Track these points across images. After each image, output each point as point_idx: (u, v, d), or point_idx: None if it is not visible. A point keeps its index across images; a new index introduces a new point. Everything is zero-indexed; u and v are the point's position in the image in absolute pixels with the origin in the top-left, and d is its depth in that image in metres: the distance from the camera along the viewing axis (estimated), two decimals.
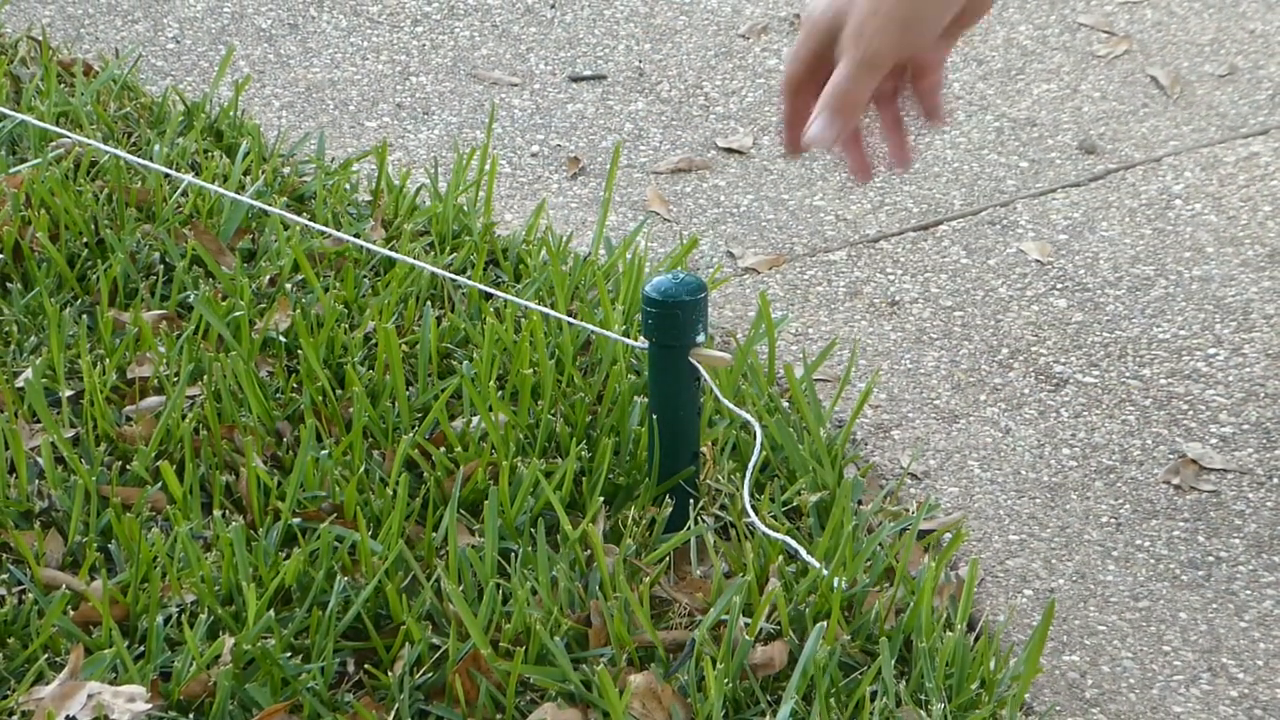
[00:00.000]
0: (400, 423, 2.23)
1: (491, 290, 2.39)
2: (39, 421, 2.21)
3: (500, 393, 2.28)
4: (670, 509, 2.07)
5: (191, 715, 1.85)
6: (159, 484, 2.11)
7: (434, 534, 2.04)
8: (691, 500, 2.10)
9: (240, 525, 1.98)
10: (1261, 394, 2.48)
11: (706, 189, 2.97)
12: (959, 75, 3.29)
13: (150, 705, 1.81)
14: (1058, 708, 1.99)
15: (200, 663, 1.86)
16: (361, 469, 2.13)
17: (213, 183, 2.66)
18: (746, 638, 1.90)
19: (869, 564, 2.05)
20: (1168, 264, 2.76)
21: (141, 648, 1.90)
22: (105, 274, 2.44)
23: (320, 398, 2.24)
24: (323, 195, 2.66)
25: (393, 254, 2.47)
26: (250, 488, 2.08)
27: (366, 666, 1.91)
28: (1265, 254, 2.78)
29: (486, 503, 2.03)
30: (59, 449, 2.15)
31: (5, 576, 1.99)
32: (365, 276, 2.53)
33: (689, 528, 2.07)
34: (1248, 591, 2.16)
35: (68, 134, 2.73)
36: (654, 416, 2.07)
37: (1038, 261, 2.77)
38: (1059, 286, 2.71)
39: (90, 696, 1.80)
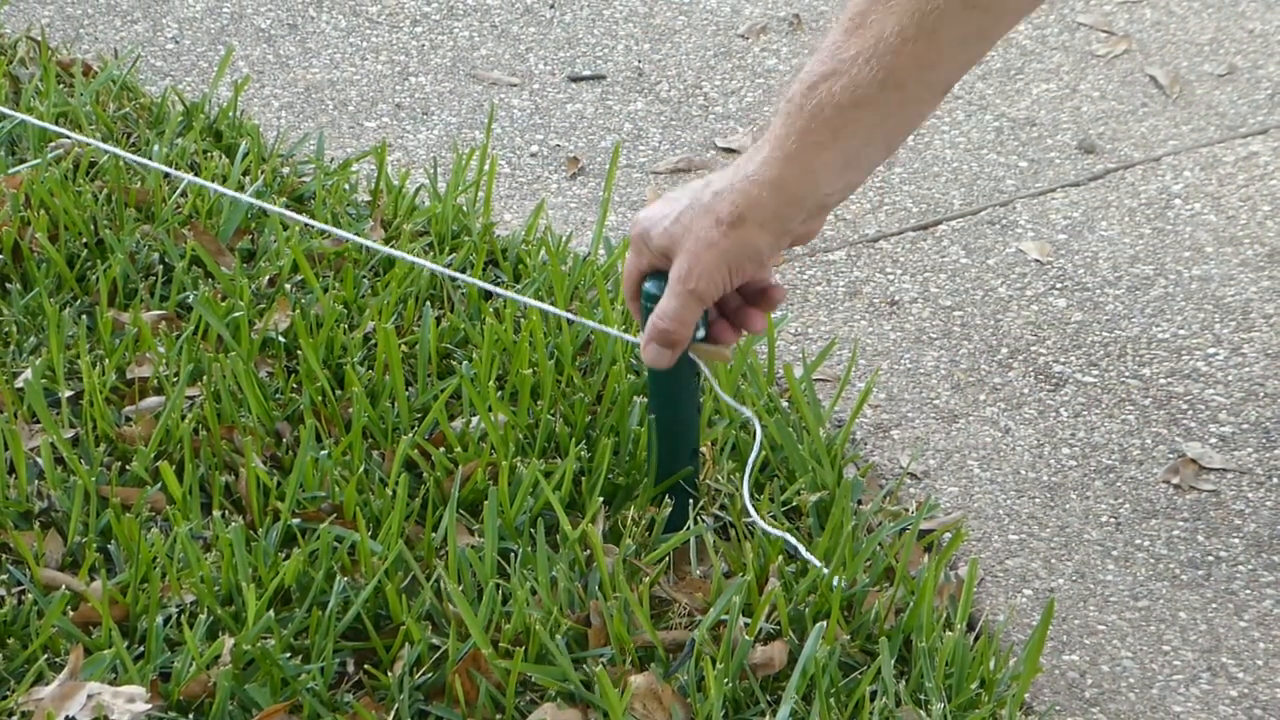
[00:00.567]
0: (400, 423, 2.23)
1: (521, 298, 2.39)
2: (38, 422, 2.21)
3: (500, 393, 2.28)
4: (670, 509, 2.07)
5: (191, 715, 1.85)
6: (158, 484, 2.11)
7: (434, 534, 2.04)
8: (691, 500, 2.10)
9: (240, 525, 1.98)
10: (1261, 393, 2.48)
11: None
12: None
13: (150, 705, 1.81)
14: (1058, 707, 1.99)
15: (200, 663, 1.85)
16: (361, 469, 2.13)
17: (212, 183, 2.66)
18: (746, 638, 1.90)
19: (869, 564, 2.05)
20: (1167, 263, 2.76)
21: (141, 648, 1.90)
22: (105, 274, 2.44)
23: (320, 398, 2.24)
24: (322, 195, 2.66)
25: (424, 262, 2.47)
26: (250, 488, 2.08)
27: (366, 667, 1.91)
28: (1265, 253, 2.78)
29: (486, 503, 2.03)
30: (58, 449, 2.15)
31: (5, 577, 1.99)
32: (365, 277, 2.53)
33: (689, 528, 2.07)
34: (1247, 591, 2.16)
35: (68, 133, 2.73)
36: (653, 415, 2.06)
37: (1037, 261, 2.77)
38: (1058, 286, 2.71)
39: (90, 697, 1.80)
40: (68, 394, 2.26)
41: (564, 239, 2.64)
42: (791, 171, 1.74)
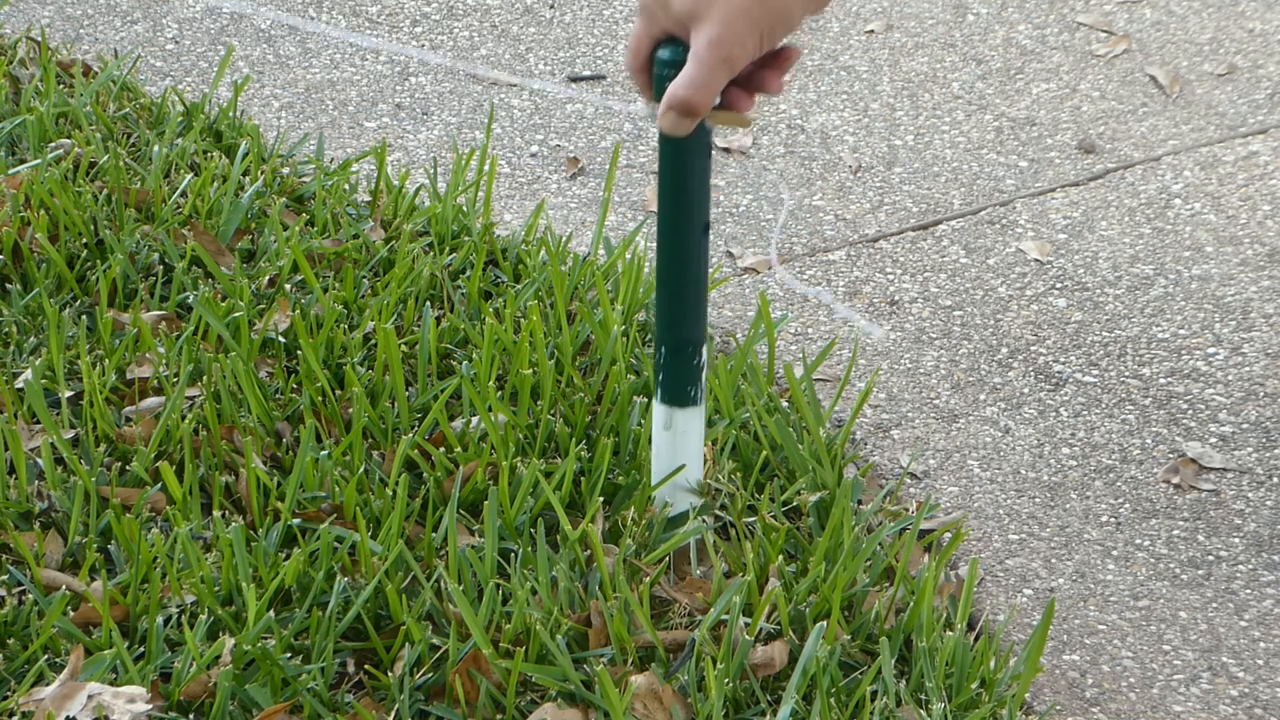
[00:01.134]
0: (400, 423, 2.23)
1: None
2: (38, 422, 2.21)
3: (500, 393, 2.28)
4: (669, 508, 2.07)
5: (191, 716, 1.85)
6: (159, 485, 2.11)
7: (434, 534, 2.04)
8: (692, 507, 2.08)
9: (240, 526, 1.98)
10: (1261, 393, 2.49)
11: None
12: (958, 75, 3.30)
13: (150, 706, 1.81)
14: (1058, 707, 1.99)
15: (200, 663, 1.85)
16: (361, 469, 2.13)
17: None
18: (746, 637, 1.90)
19: (869, 564, 2.05)
20: (1167, 263, 2.76)
21: (141, 648, 1.90)
22: (104, 275, 2.44)
23: (320, 398, 2.24)
24: (322, 196, 2.66)
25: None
26: (250, 488, 2.08)
27: (366, 667, 1.91)
28: (1265, 253, 2.78)
29: (486, 503, 2.03)
30: (58, 450, 2.15)
31: (5, 577, 1.99)
32: (364, 277, 2.53)
33: (689, 528, 2.07)
34: (1247, 591, 2.16)
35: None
36: (661, 203, 1.89)
37: (1037, 261, 2.77)
38: (1058, 286, 2.71)
39: (90, 697, 1.80)
40: (68, 394, 2.26)
41: (564, 239, 2.63)
42: None
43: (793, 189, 2.97)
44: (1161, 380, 2.51)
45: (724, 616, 1.93)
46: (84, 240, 2.54)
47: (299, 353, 2.32)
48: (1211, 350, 2.57)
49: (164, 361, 2.31)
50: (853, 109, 3.19)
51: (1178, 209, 2.90)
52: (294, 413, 2.24)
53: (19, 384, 2.26)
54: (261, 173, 2.73)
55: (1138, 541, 2.24)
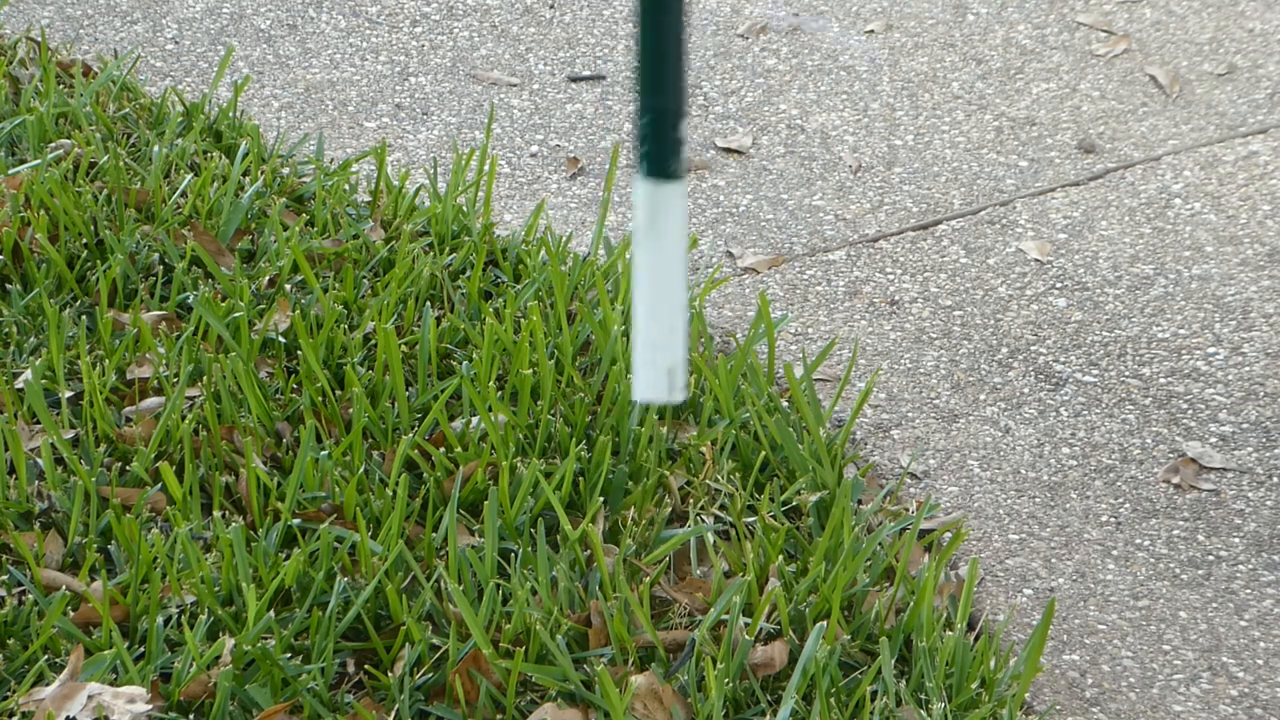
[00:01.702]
0: (400, 423, 2.23)
1: None
2: (39, 423, 2.21)
3: (500, 393, 2.28)
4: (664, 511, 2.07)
5: (192, 716, 1.85)
6: (159, 485, 2.11)
7: (434, 534, 2.04)
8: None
9: (240, 526, 1.98)
10: (1261, 393, 2.49)
11: (705, 189, 2.97)
12: (958, 75, 3.30)
13: (150, 706, 1.81)
14: (1058, 707, 1.99)
15: (200, 663, 1.85)
16: (361, 469, 2.13)
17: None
18: (746, 637, 1.90)
19: (869, 564, 2.05)
20: (1167, 263, 2.76)
21: (142, 649, 1.90)
22: (105, 275, 2.44)
23: (320, 398, 2.24)
24: (322, 196, 2.66)
25: None
26: (250, 488, 2.08)
27: (366, 667, 1.91)
28: (1265, 253, 2.78)
29: (486, 503, 2.03)
30: (59, 450, 2.15)
31: (5, 578, 1.99)
32: (364, 277, 2.53)
33: (689, 528, 2.08)
34: (1247, 590, 2.16)
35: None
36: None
37: (1037, 261, 2.77)
38: (1058, 286, 2.71)
39: (90, 697, 1.80)
40: (68, 395, 2.26)
41: (564, 239, 2.63)
42: None
43: (792, 189, 2.97)
44: (1161, 380, 2.51)
45: (724, 616, 1.93)
46: (84, 240, 2.54)
47: (299, 353, 2.32)
48: (1211, 350, 2.57)
49: (164, 362, 2.31)
50: (853, 109, 3.19)
51: (1178, 209, 2.90)
52: (294, 413, 2.24)
53: (19, 384, 2.26)
54: (261, 173, 2.73)
55: (1138, 541, 2.24)
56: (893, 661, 1.89)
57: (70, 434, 2.19)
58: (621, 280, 2.49)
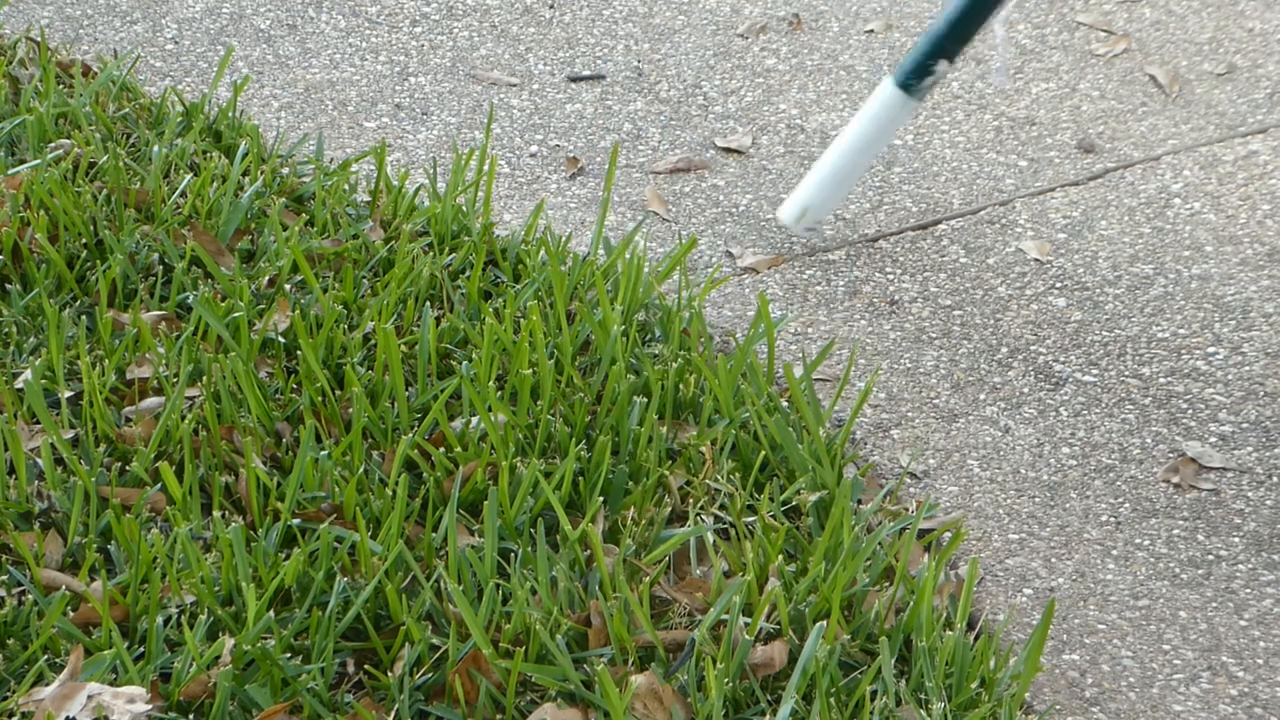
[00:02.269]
0: (400, 423, 2.23)
1: None
2: (38, 423, 2.21)
3: (499, 393, 2.28)
4: (668, 508, 2.07)
5: (191, 716, 1.85)
6: (158, 485, 2.11)
7: (434, 534, 2.04)
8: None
9: (240, 526, 1.98)
10: (1261, 392, 2.49)
11: (705, 189, 2.97)
12: (958, 74, 3.30)
13: (150, 706, 1.81)
14: (1058, 706, 1.99)
15: (200, 663, 1.86)
16: (361, 469, 2.13)
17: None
18: (746, 637, 1.90)
19: (869, 563, 2.05)
20: (1167, 263, 2.76)
21: (141, 649, 1.90)
22: (104, 275, 2.44)
23: (319, 398, 2.24)
24: (321, 196, 2.66)
25: None
26: (250, 488, 2.08)
27: (366, 667, 1.91)
28: (1264, 253, 2.78)
29: (486, 503, 2.03)
30: (58, 450, 2.15)
31: (5, 578, 1.99)
32: (364, 277, 2.53)
33: (689, 528, 2.08)
34: (1247, 590, 2.16)
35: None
36: None
37: (1037, 260, 2.77)
38: (1058, 285, 2.71)
39: (90, 697, 1.80)
40: (67, 395, 2.26)
41: (563, 239, 2.64)
42: None
43: (792, 189, 2.97)
44: (1161, 380, 2.51)
45: (724, 616, 1.93)
46: (84, 240, 2.54)
47: (299, 353, 2.32)
48: (1211, 350, 2.57)
49: (164, 362, 2.31)
50: (852, 109, 3.19)
51: (1177, 208, 2.90)
52: (294, 413, 2.24)
53: (19, 384, 2.26)
54: (261, 173, 2.73)
55: (1138, 541, 2.24)
56: (892, 661, 1.89)
57: (70, 434, 2.19)
58: (621, 280, 2.49)
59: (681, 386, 2.29)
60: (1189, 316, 2.64)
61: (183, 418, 2.20)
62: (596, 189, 2.96)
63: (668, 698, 1.85)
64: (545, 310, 2.43)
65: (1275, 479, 2.34)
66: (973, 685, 1.90)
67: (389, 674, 1.89)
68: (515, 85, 3.27)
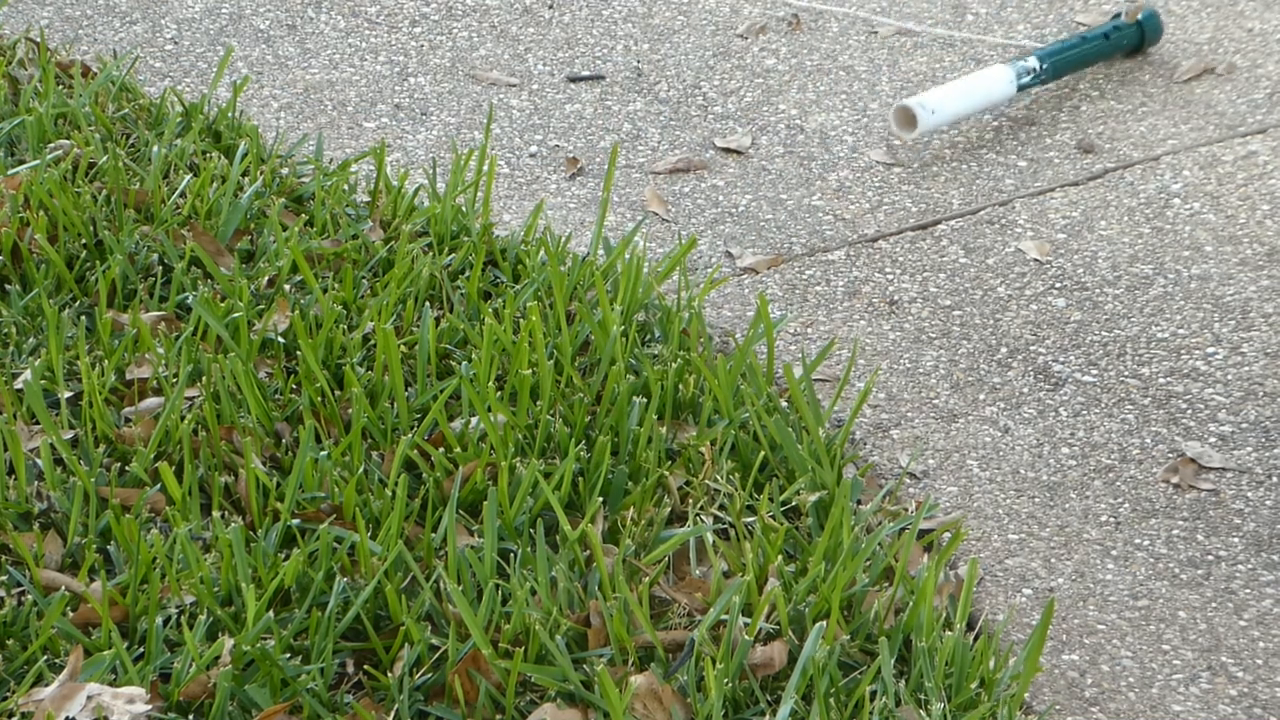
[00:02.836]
0: (399, 423, 2.23)
1: None
2: (38, 423, 2.21)
3: (499, 393, 2.28)
4: (668, 508, 2.07)
5: (191, 716, 1.85)
6: (158, 485, 2.11)
7: (433, 535, 2.04)
8: None
9: (239, 526, 1.98)
10: (1260, 393, 2.49)
11: (705, 189, 2.97)
12: (958, 74, 3.29)
13: (150, 706, 1.81)
14: (1057, 707, 1.99)
15: (200, 664, 1.85)
16: (360, 470, 2.13)
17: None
18: (746, 638, 1.90)
19: (868, 564, 2.05)
20: (1166, 263, 2.76)
21: (141, 649, 1.90)
22: (104, 275, 2.44)
23: (319, 398, 2.24)
24: (321, 196, 2.66)
25: None
26: (249, 489, 2.08)
27: (366, 667, 1.91)
28: (1264, 253, 2.78)
29: (485, 503, 2.03)
30: (58, 450, 2.14)
31: (5, 578, 1.99)
32: (364, 277, 2.53)
33: (688, 528, 2.08)
34: (1247, 590, 2.16)
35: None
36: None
37: (1036, 260, 2.77)
38: (1058, 285, 2.71)
39: (90, 698, 1.80)
40: (67, 395, 2.26)
41: (563, 239, 2.63)
42: None
43: (791, 189, 2.97)
44: (1161, 380, 2.51)
45: (723, 616, 1.93)
46: (83, 241, 2.54)
47: (298, 353, 2.32)
48: (1211, 350, 2.57)
49: (163, 362, 2.31)
50: (852, 109, 3.19)
51: (1177, 209, 2.90)
52: (293, 413, 2.24)
53: (18, 384, 2.26)
54: (261, 173, 2.73)
55: (1137, 541, 2.24)
56: (892, 661, 1.89)
57: (69, 434, 2.19)
58: (620, 280, 2.49)
59: (681, 387, 2.29)
60: (1188, 317, 2.64)
61: (182, 418, 2.20)
62: (596, 189, 2.96)
63: (667, 698, 1.85)
64: (545, 310, 2.43)
65: (1275, 479, 2.34)
66: (972, 685, 1.90)
67: (388, 674, 1.89)
68: (515, 85, 3.27)
